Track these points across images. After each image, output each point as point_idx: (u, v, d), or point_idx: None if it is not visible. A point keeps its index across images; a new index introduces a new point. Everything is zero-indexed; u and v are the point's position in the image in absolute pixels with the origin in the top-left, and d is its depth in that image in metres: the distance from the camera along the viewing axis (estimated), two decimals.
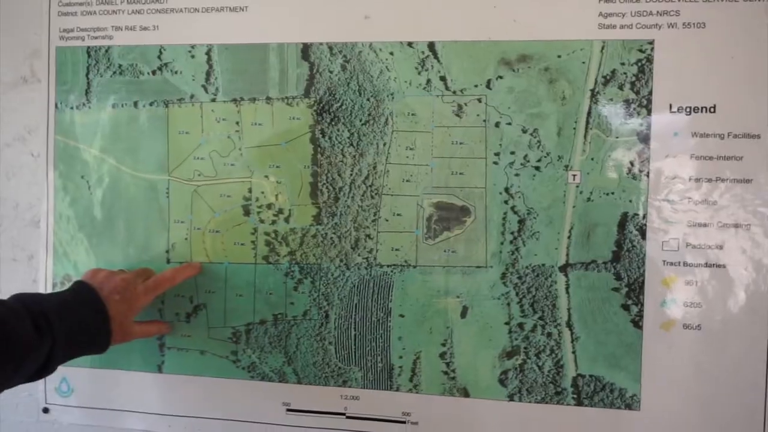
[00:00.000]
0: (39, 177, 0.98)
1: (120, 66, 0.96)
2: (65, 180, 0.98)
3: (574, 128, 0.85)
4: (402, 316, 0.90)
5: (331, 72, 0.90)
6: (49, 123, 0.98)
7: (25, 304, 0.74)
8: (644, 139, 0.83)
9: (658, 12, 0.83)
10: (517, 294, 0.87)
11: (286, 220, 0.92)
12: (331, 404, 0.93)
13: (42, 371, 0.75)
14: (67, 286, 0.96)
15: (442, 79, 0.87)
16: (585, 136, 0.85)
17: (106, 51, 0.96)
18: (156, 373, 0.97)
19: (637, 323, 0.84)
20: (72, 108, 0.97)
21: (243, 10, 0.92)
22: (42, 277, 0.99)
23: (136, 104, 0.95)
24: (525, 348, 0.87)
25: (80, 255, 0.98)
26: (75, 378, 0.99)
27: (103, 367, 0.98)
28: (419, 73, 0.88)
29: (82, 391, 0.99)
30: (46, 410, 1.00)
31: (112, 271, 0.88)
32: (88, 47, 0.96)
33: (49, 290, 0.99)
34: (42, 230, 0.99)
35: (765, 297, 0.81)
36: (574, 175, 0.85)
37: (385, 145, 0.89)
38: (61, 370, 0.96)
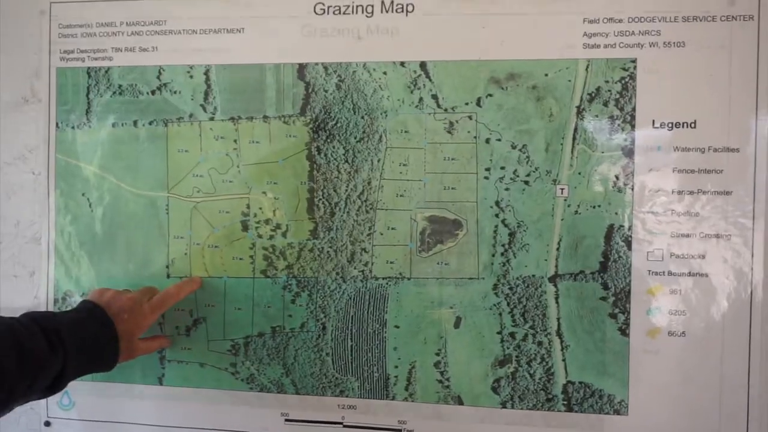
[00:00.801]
0: (40, 195, 1.00)
1: (120, 86, 0.98)
2: (66, 198, 0.99)
3: (562, 144, 0.88)
4: (397, 327, 0.93)
5: (326, 91, 0.93)
6: (50, 142, 1.00)
7: (37, 321, 0.76)
8: (628, 153, 0.86)
9: (640, 32, 0.86)
10: (508, 304, 0.90)
11: (284, 234, 0.95)
12: (328, 414, 0.95)
13: (52, 388, 0.77)
14: (69, 302, 0.98)
15: (434, 97, 0.90)
16: (572, 152, 0.88)
17: (106, 72, 0.98)
18: (156, 385, 0.99)
19: (624, 331, 0.87)
20: (72, 127, 0.99)
21: (240, 31, 0.95)
22: (43, 293, 1.01)
23: (135, 123, 0.98)
24: (517, 356, 0.90)
25: (81, 271, 0.99)
26: (76, 391, 1.00)
27: (104, 380, 0.99)
28: (412, 92, 0.91)
29: (83, 404, 1.01)
30: (47, 423, 1.01)
31: (117, 290, 0.90)
32: (89, 68, 0.98)
33: (51, 306, 1.00)
34: (43, 247, 1.01)
35: (746, 304, 0.84)
36: (562, 189, 0.88)
37: (379, 161, 0.92)
38: None
